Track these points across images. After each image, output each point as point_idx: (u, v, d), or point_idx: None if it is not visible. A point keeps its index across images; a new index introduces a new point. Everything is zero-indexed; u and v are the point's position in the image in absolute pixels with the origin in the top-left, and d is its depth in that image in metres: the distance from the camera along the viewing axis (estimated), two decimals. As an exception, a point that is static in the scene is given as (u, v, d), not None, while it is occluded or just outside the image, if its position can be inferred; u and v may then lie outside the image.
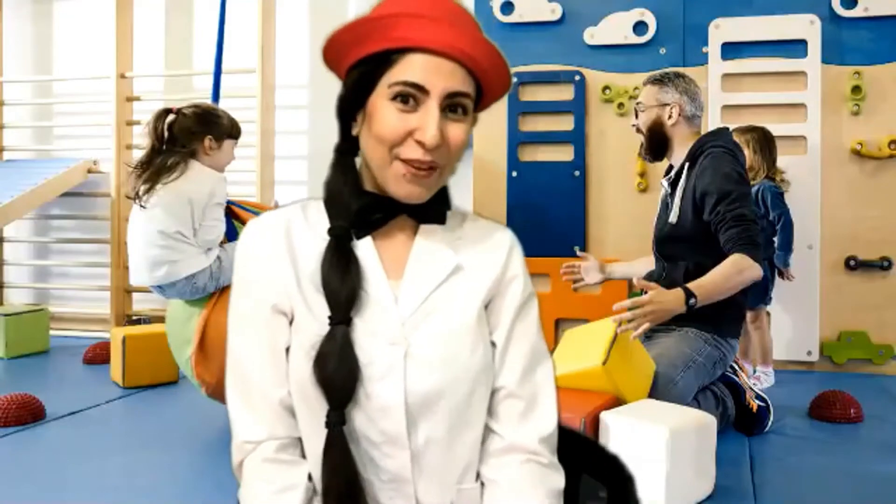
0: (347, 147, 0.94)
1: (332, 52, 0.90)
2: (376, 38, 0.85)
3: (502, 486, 0.91)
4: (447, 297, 0.91)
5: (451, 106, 0.87)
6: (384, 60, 0.86)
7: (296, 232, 0.92)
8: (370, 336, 0.87)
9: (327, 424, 0.84)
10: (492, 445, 0.93)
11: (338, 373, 0.83)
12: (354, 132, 0.93)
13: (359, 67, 0.89)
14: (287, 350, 0.90)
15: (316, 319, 0.87)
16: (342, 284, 0.86)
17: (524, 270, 0.97)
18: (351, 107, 0.91)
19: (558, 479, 0.93)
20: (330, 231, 0.89)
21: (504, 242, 0.97)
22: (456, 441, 0.89)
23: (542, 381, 0.95)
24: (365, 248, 0.91)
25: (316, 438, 0.86)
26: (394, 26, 0.84)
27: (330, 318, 0.85)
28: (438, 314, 0.90)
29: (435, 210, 0.93)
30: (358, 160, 0.95)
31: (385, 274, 0.90)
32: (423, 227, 0.94)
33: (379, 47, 0.86)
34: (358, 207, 0.90)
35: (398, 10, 0.85)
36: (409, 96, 0.86)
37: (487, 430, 0.94)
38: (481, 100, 0.93)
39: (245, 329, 0.91)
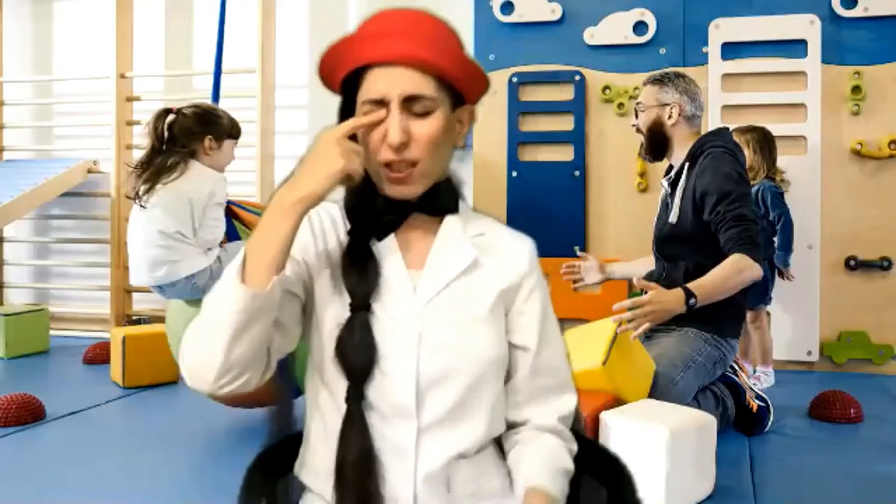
0: None
1: (324, 75, 1.01)
2: (347, 59, 0.96)
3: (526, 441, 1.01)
4: (463, 289, 0.99)
5: (414, 107, 0.94)
6: (355, 80, 0.97)
7: (339, 222, 1.03)
8: (389, 320, 0.95)
9: (347, 400, 0.92)
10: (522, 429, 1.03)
11: (357, 355, 0.92)
12: None
13: (343, 88, 0.99)
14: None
15: (343, 303, 0.96)
16: (359, 277, 0.96)
17: (542, 280, 1.06)
18: None
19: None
20: (348, 232, 1.00)
21: (524, 251, 1.05)
22: (459, 423, 0.95)
23: (565, 368, 1.07)
24: (387, 244, 1.00)
25: (334, 413, 0.94)
26: (358, 47, 0.95)
27: (350, 305, 0.95)
28: (453, 304, 0.98)
29: (443, 204, 1.02)
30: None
31: (406, 265, 0.99)
32: (445, 223, 1.03)
33: (349, 68, 0.97)
34: (373, 211, 0.99)
35: (361, 32, 0.96)
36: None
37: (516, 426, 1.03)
38: (466, 95, 1.00)
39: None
